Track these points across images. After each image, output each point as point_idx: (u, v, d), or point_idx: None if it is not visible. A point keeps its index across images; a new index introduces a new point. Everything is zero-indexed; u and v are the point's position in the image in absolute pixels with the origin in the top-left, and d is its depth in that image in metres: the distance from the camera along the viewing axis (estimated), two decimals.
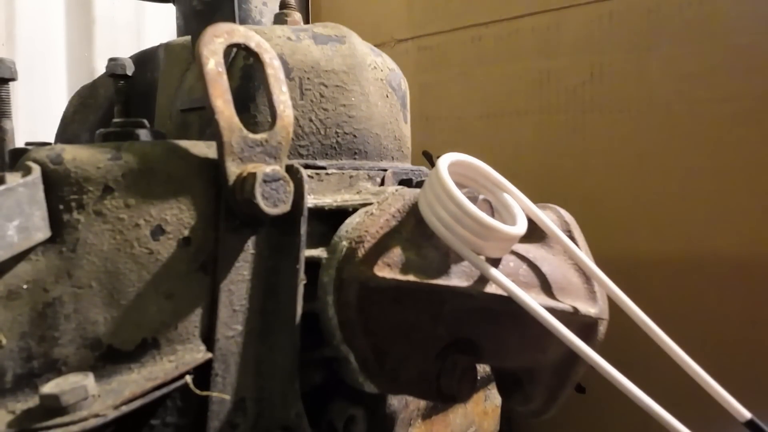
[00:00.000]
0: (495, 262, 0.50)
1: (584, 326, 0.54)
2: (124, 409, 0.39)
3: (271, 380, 0.48)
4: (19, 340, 0.39)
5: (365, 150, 0.68)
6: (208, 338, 0.45)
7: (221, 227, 0.45)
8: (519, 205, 0.54)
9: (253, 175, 0.43)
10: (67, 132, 0.82)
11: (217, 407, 0.45)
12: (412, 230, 0.50)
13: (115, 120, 0.58)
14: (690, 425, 0.46)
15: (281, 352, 0.48)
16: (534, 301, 0.47)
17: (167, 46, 0.73)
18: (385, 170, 0.68)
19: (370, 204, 0.52)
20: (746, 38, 0.95)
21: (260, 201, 0.43)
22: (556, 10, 1.14)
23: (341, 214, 0.53)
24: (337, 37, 0.68)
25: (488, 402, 0.78)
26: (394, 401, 0.59)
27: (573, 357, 0.52)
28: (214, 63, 0.44)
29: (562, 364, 0.55)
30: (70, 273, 0.40)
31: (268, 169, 0.44)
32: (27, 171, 0.39)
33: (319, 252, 0.51)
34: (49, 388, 0.37)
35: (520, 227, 0.50)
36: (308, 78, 0.64)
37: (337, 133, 0.65)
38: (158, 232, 0.43)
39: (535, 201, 0.56)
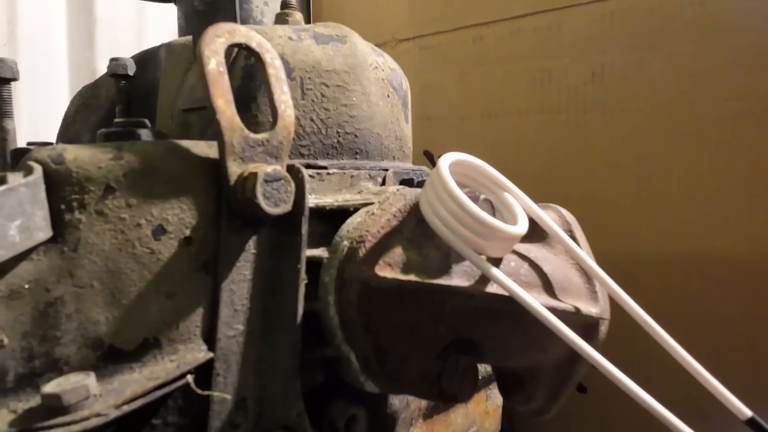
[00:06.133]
0: (496, 262, 0.50)
1: (586, 326, 0.54)
2: (126, 408, 0.39)
3: (273, 380, 0.48)
4: (21, 339, 0.39)
5: (366, 150, 0.68)
6: (210, 338, 0.45)
7: (222, 227, 0.45)
8: (520, 204, 0.54)
9: (254, 175, 0.43)
10: (68, 132, 0.82)
11: (218, 407, 0.45)
12: (413, 230, 0.50)
13: (117, 120, 0.58)
14: (691, 424, 0.46)
15: (282, 351, 0.48)
16: (535, 301, 0.47)
17: (168, 46, 0.73)
18: (387, 170, 0.68)
19: (372, 204, 0.52)
20: (748, 38, 0.95)
21: (261, 201, 0.43)
22: (557, 9, 1.14)
23: (342, 213, 0.53)
24: (339, 36, 0.68)
25: (489, 402, 0.78)
26: (396, 401, 0.59)
27: (574, 357, 0.52)
28: (215, 63, 0.44)
29: (563, 363, 0.55)
30: (71, 273, 0.40)
31: (270, 168, 0.44)
32: (29, 171, 0.39)
33: (321, 252, 0.51)
34: (50, 387, 0.37)
35: (522, 227, 0.50)
36: (309, 78, 0.64)
37: (338, 132, 0.65)
38: (159, 231, 0.43)
39: (536, 201, 0.56)
